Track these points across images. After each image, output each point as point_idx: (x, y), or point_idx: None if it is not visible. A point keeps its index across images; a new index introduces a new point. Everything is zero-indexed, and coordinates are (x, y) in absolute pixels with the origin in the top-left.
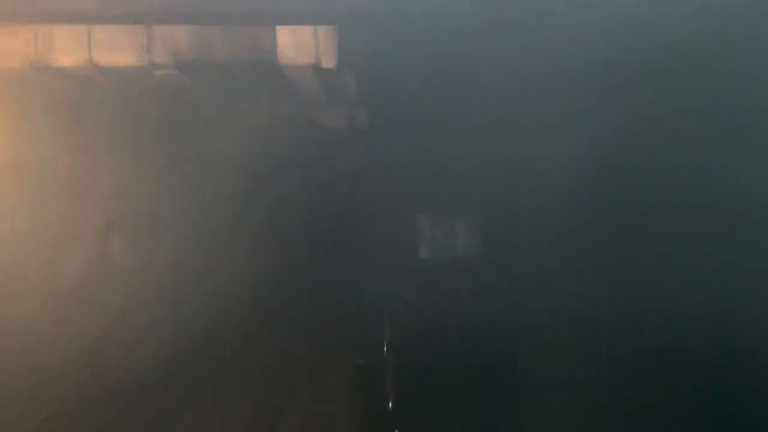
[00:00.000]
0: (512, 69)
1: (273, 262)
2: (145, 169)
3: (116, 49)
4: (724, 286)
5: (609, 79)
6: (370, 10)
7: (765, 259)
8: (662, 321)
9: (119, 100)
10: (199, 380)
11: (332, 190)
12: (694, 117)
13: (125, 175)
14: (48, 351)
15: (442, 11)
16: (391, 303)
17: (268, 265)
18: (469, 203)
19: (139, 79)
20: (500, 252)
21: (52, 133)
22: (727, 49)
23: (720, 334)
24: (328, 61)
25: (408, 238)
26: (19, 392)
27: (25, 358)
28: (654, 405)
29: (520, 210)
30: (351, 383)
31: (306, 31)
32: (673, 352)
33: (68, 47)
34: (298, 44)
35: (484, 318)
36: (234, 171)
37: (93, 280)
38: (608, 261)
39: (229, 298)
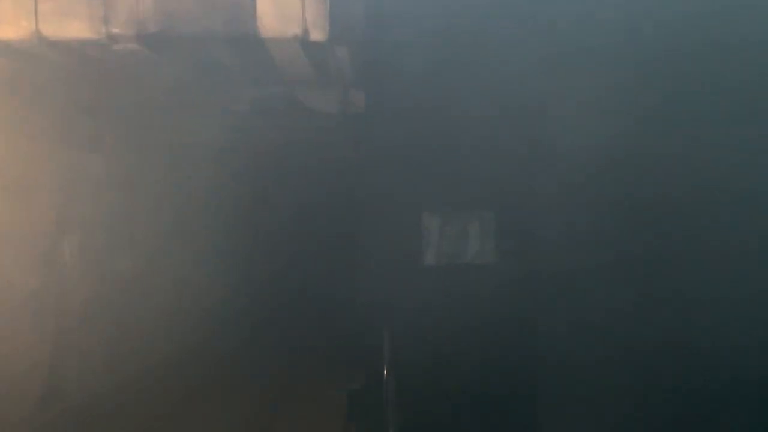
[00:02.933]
0: (531, 44)
1: (253, 267)
2: (104, 161)
3: (67, 19)
4: None
5: (643, 57)
6: None
7: None
8: (706, 336)
9: (71, 80)
10: (170, 403)
11: (323, 184)
12: (740, 101)
13: (80, 167)
14: None
15: None
16: (392, 316)
17: (247, 271)
18: (483, 199)
19: (95, 55)
20: (521, 256)
21: None
22: None
23: None
24: (318, 34)
25: (412, 240)
26: None
27: None
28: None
29: (542, 207)
30: (343, 412)
31: None
32: (716, 364)
33: (10, 17)
34: (282, 14)
35: (503, 335)
36: (209, 163)
37: (42, 288)
38: (645, 267)
39: (205, 308)
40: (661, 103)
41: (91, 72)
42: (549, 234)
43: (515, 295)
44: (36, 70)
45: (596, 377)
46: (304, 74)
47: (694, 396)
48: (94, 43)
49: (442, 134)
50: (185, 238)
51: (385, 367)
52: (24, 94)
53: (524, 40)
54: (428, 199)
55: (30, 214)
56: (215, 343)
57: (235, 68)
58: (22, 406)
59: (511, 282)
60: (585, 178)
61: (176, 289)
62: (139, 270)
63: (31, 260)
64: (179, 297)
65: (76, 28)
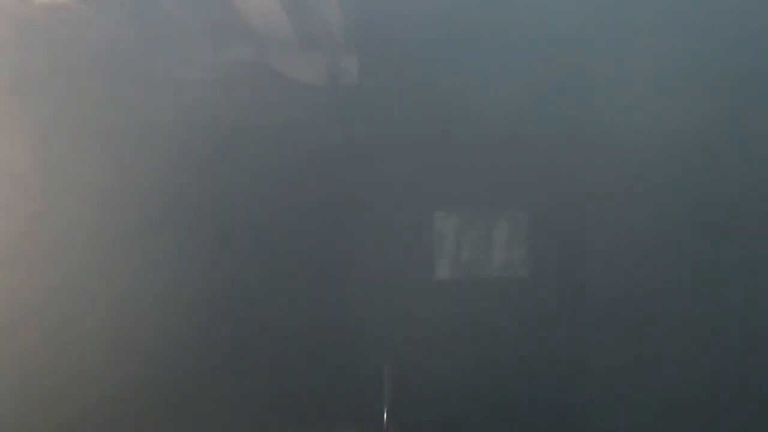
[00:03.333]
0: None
1: (217, 278)
2: (31, 142)
3: None
4: None
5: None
6: None
7: None
8: None
9: None
10: None
11: (306, 175)
12: None
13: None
14: None
15: None
16: (395, 344)
17: (204, 287)
18: (512, 195)
19: (14, 13)
20: (561, 269)
21: None
22: None
23: None
24: None
25: (421, 248)
26: None
27: None
28: None
29: (589, 205)
30: None
31: None
32: None
33: None
34: None
35: (537, 374)
36: (163, 147)
37: None
38: (707, 282)
39: (159, 329)
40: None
41: (10, 32)
42: (597, 240)
43: (554, 321)
44: None
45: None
46: (282, 34)
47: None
48: None
49: (458, 110)
50: (124, 240)
51: (385, 413)
52: None
53: None
54: (441, 194)
55: None
56: (178, 374)
57: (195, 27)
58: None
59: (548, 303)
60: (644, 169)
61: (117, 307)
62: (76, 279)
63: None
64: (132, 317)
65: None
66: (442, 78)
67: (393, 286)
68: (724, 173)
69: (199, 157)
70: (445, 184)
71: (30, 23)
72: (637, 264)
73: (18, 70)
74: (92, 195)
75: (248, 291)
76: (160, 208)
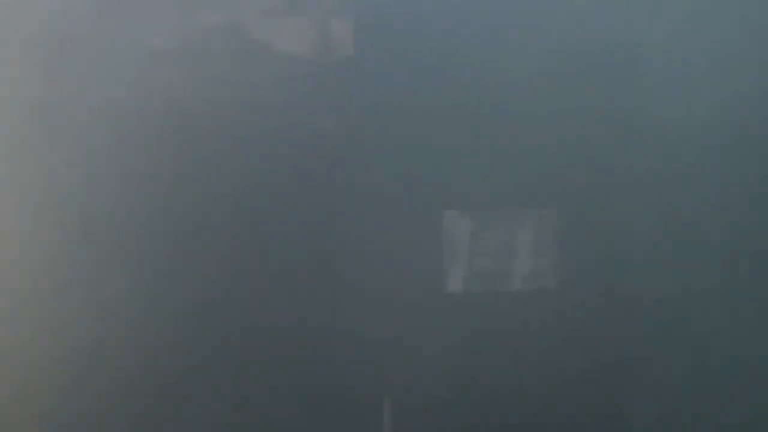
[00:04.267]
0: None
1: (186, 288)
2: None
3: None
4: None
5: None
6: None
7: None
8: None
9: None
10: None
11: (290, 166)
12: None
13: None
14: None
15: None
16: (397, 373)
17: (167, 302)
18: (538, 191)
19: None
20: (597, 279)
21: None
22: None
23: None
24: None
25: (428, 254)
26: None
27: None
28: None
29: (631, 204)
30: None
31: None
32: None
33: None
34: None
35: (570, 404)
36: (122, 128)
37: None
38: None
39: (126, 345)
40: None
41: None
42: (643, 245)
43: (591, 344)
44: None
45: None
46: None
47: None
48: None
49: (474, 87)
50: (68, 246)
51: None
52: None
53: None
54: (453, 190)
55: None
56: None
57: None
58: None
59: (583, 320)
60: (700, 158)
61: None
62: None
63: None
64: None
65: None
66: (455, 47)
67: (393, 302)
68: None
69: (163, 140)
70: (457, 177)
71: None
72: (691, 272)
73: None
74: (37, 182)
75: (221, 301)
76: (105, 201)
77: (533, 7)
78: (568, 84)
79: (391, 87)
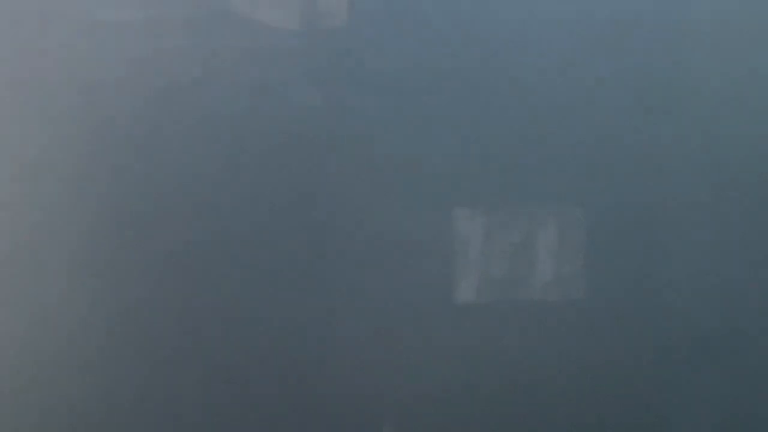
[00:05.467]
0: None
1: (152, 305)
2: None
3: None
4: None
5: None
6: None
7: None
8: None
9: None
10: None
11: (278, 156)
12: None
13: None
14: None
15: None
16: (399, 395)
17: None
18: (561, 185)
19: None
20: (628, 288)
21: None
22: None
23: None
24: None
25: (435, 257)
26: None
27: None
28: None
29: (667, 203)
30: None
31: None
32: None
33: None
34: None
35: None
36: (80, 108)
37: None
38: None
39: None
40: None
41: None
42: (681, 249)
43: (622, 360)
44: None
45: None
46: None
47: None
48: None
49: (488, 65)
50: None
51: None
52: None
53: None
54: (463, 185)
55: None
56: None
57: None
58: None
59: (612, 336)
60: (748, 152)
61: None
62: None
63: None
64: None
65: None
66: (462, 15)
67: (397, 314)
68: None
69: (126, 122)
70: (469, 171)
71: None
72: (736, 280)
73: None
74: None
75: (202, 309)
76: (73, 196)
77: None
78: (602, 52)
79: (387, 64)
